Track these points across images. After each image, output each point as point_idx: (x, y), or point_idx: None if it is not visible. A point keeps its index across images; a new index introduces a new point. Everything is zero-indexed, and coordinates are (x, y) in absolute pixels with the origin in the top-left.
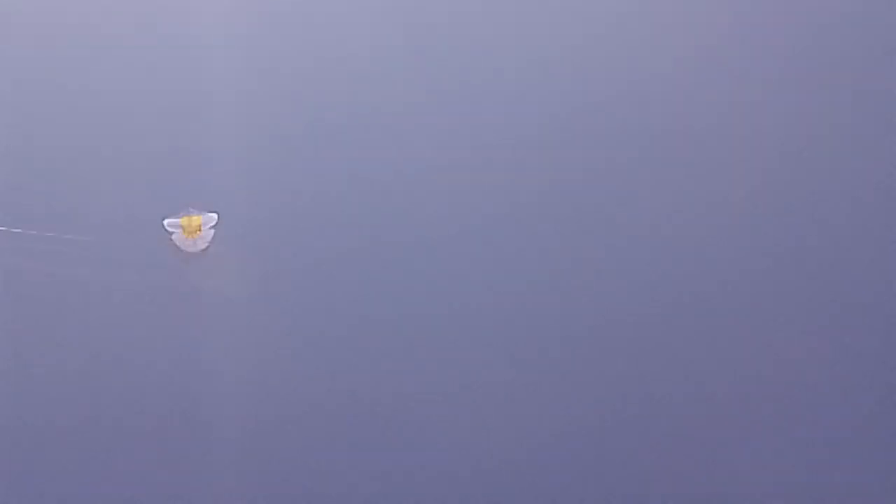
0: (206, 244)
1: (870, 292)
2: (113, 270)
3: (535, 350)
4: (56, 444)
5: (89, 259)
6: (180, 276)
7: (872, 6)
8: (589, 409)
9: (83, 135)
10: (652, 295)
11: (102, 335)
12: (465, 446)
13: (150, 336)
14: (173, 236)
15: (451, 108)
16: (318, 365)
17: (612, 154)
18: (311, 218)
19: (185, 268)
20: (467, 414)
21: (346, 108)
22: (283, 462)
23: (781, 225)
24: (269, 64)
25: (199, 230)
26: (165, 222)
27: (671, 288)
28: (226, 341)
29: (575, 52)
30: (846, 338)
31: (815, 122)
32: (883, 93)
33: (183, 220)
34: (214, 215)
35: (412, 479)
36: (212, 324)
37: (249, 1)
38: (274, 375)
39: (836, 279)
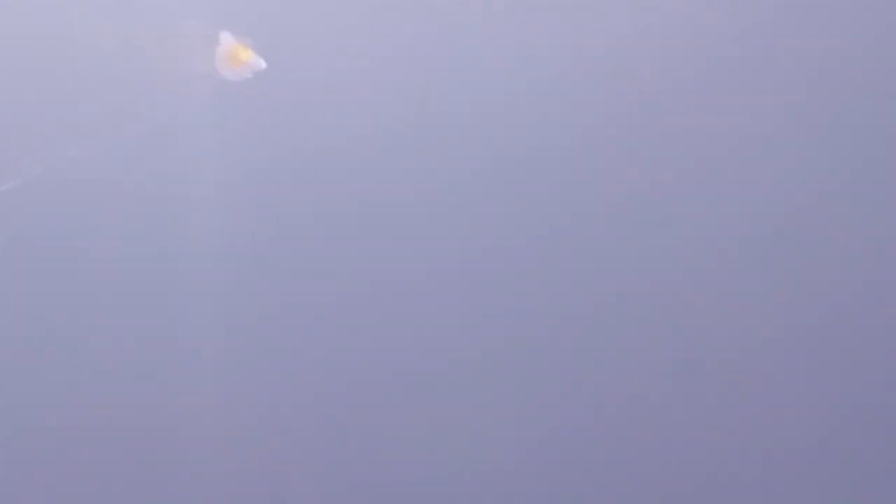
0: (241, 77)
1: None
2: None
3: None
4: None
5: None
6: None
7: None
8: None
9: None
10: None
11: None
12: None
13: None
14: (218, 48)
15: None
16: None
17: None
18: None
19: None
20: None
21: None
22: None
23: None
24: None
25: (243, 64)
26: (223, 34)
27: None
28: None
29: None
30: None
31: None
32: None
33: (236, 46)
34: (263, 64)
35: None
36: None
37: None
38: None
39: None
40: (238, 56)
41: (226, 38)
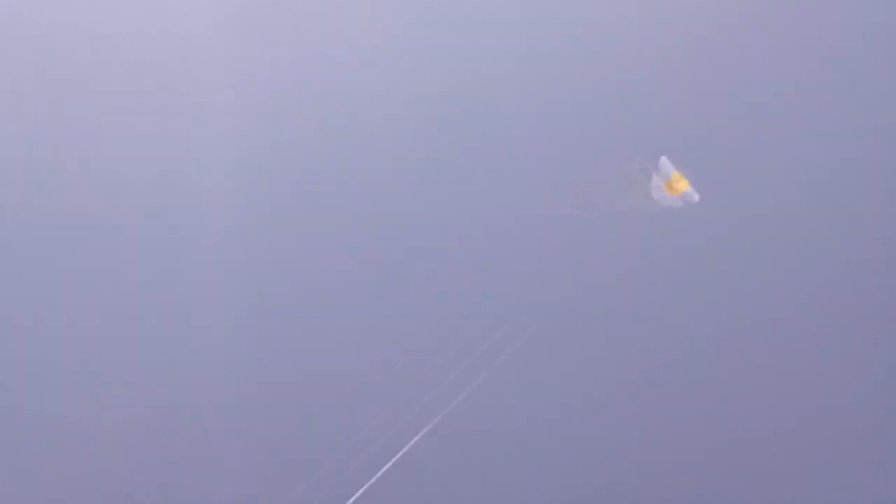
0: (673, 205)
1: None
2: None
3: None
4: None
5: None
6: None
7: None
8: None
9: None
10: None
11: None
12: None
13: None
14: (656, 174)
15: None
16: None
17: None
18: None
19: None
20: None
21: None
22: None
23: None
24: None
25: (678, 193)
26: (662, 159)
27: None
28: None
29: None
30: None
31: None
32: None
33: (674, 176)
34: (696, 197)
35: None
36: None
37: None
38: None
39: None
40: (675, 186)
41: (664, 165)
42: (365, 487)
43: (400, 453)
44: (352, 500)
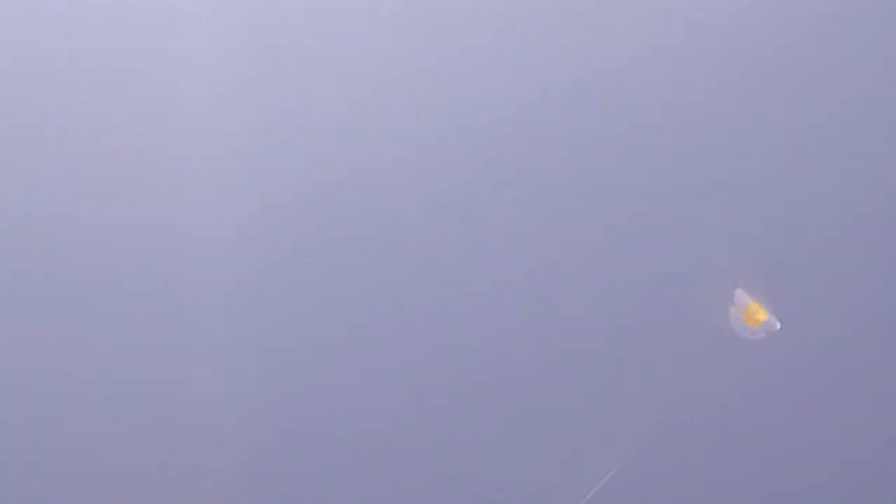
0: (755, 336)
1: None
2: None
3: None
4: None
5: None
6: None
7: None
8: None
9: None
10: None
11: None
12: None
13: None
14: (732, 308)
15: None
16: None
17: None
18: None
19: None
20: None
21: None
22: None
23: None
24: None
25: (758, 324)
26: (737, 291)
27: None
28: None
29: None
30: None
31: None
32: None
33: (752, 306)
34: (778, 325)
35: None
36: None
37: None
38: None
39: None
40: (754, 316)
41: (741, 298)
42: None
43: None
44: None
